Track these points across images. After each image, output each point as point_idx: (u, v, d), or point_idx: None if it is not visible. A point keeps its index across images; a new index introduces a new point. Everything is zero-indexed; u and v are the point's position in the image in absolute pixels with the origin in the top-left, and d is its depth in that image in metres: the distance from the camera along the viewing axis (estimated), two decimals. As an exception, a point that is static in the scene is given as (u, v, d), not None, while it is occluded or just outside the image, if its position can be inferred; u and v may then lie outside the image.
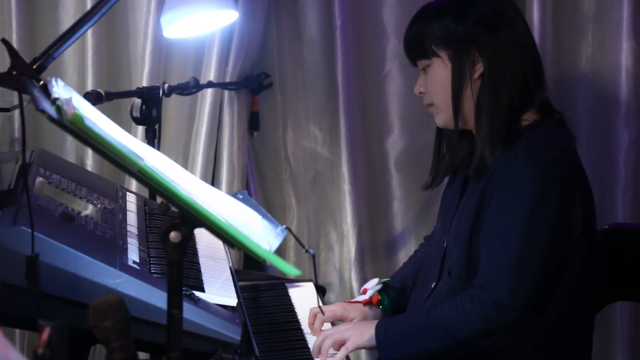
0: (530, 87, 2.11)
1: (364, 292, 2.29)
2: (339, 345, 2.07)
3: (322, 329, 2.16)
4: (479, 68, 2.09)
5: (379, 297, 2.27)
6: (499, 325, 2.01)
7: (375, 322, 2.09)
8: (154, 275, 1.80)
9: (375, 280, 2.31)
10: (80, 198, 2.00)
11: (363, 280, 3.07)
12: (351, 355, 2.13)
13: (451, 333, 2.02)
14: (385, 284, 2.30)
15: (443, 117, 2.15)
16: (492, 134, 2.07)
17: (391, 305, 2.27)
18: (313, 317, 2.18)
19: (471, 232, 2.08)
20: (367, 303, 2.26)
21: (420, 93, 2.18)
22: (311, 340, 2.12)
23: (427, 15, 2.14)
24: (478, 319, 2.01)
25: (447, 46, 2.10)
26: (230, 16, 2.82)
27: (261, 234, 1.59)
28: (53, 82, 1.62)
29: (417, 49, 2.15)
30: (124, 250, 1.85)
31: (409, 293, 2.29)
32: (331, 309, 2.21)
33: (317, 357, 2.06)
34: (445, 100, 2.12)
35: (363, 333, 2.07)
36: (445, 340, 2.03)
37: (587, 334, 2.19)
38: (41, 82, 1.62)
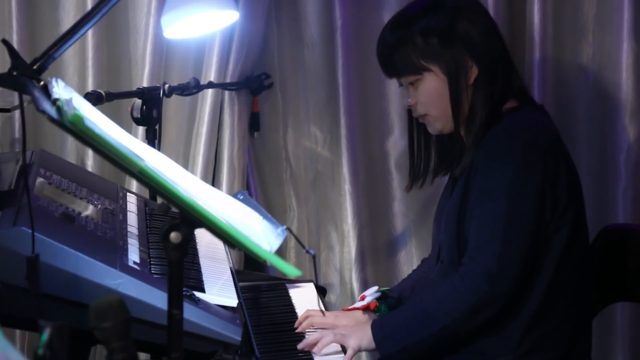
0: (509, 74, 2.13)
1: (363, 298, 2.29)
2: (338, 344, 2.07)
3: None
4: (474, 72, 2.09)
5: (377, 304, 2.26)
6: (492, 296, 2.00)
7: (370, 322, 2.10)
8: (154, 276, 1.80)
9: (374, 288, 2.32)
10: (81, 198, 2.00)
11: (364, 280, 3.07)
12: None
13: (447, 313, 2.01)
14: (384, 293, 2.30)
15: (439, 125, 2.16)
16: (481, 131, 2.08)
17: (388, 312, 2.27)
18: (304, 318, 2.17)
19: (459, 214, 2.08)
20: (365, 309, 2.26)
21: (410, 106, 2.18)
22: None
23: (403, 24, 2.13)
24: (471, 292, 2.00)
25: (437, 59, 2.09)
26: (231, 16, 2.82)
27: (262, 234, 1.59)
28: (53, 82, 1.61)
29: (403, 66, 2.13)
30: (124, 250, 1.85)
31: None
32: (327, 314, 2.19)
33: (311, 350, 2.05)
34: (443, 110, 2.12)
35: (362, 337, 2.06)
36: (442, 322, 2.02)
37: (585, 316, 2.17)
38: (41, 83, 1.62)
